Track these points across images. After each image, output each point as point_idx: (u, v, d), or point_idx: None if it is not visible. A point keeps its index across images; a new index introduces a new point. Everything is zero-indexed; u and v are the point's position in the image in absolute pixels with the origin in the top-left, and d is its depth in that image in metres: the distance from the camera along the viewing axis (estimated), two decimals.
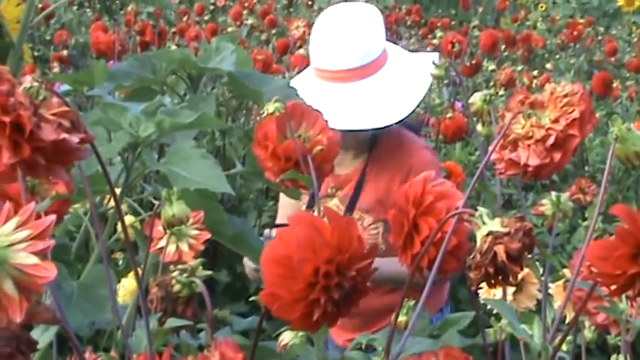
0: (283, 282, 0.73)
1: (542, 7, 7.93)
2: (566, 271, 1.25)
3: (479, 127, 1.28)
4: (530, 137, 1.00)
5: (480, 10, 7.27)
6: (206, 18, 5.38)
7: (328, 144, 1.08)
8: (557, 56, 5.81)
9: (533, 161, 0.99)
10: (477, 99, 1.27)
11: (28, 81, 0.77)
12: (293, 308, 0.73)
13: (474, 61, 3.69)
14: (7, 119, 0.75)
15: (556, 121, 0.99)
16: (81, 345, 0.98)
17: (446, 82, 3.56)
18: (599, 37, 6.63)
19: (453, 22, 6.07)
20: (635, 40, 6.79)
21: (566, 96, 1.01)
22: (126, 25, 5.05)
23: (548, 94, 1.02)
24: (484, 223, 0.95)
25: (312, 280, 0.72)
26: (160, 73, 1.85)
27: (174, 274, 0.97)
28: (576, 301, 1.12)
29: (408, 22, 5.98)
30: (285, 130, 1.06)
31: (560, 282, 1.27)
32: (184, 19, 5.47)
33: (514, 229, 0.95)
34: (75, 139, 0.77)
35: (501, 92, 3.69)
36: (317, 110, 1.12)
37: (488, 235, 0.94)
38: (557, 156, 0.99)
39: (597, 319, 1.21)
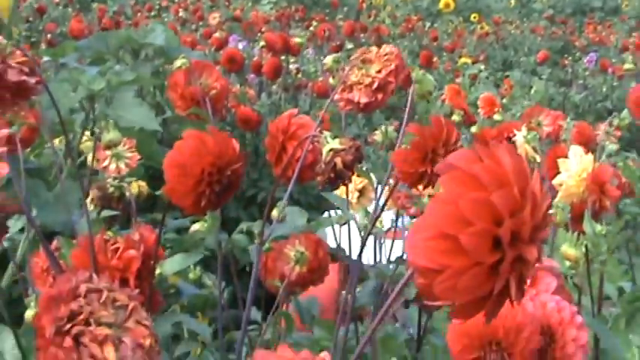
0: (179, 180, 0.70)
1: (389, 8, 7.94)
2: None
3: (331, 79, 1.24)
4: (361, 83, 0.97)
5: (345, 9, 7.28)
6: (153, 14, 5.26)
7: (220, 89, 1.04)
8: (398, 41, 5.81)
9: (363, 99, 0.96)
10: (328, 60, 1.24)
11: None
12: (187, 198, 0.70)
13: (338, 43, 3.66)
14: None
15: (379, 71, 0.96)
16: (56, 236, 0.95)
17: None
18: (426, 29, 6.66)
19: (326, 18, 6.02)
20: (450, 31, 6.83)
21: (386, 54, 0.98)
22: (97, 19, 5.02)
23: (374, 53, 1.00)
24: (327, 142, 0.92)
25: (199, 178, 0.69)
26: (112, 47, 1.83)
27: (109, 180, 0.94)
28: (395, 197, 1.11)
29: (296, 17, 5.94)
30: (190, 79, 1.02)
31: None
32: (138, 14, 5.43)
33: (348, 146, 0.93)
34: (32, 80, 0.74)
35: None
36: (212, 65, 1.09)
37: (330, 150, 0.91)
38: (380, 96, 0.96)
39: (411, 211, 1.20)
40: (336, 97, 1.00)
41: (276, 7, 6.49)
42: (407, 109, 0.87)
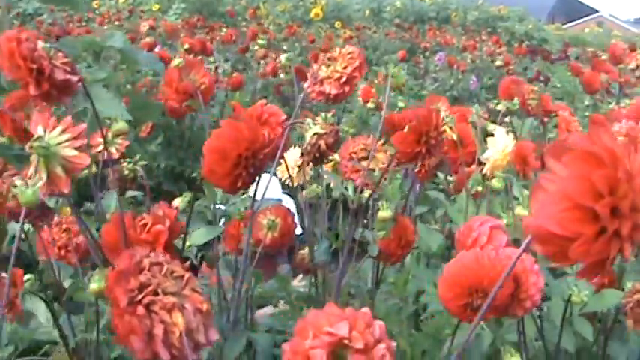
0: (219, 163, 0.67)
1: (271, 17, 7.88)
2: None
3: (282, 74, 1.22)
4: (331, 77, 0.96)
5: (239, 18, 7.18)
6: (83, 23, 5.01)
7: (208, 83, 1.00)
8: (282, 43, 5.77)
9: (334, 91, 0.95)
10: (283, 58, 1.21)
11: (42, 44, 0.68)
12: (225, 180, 0.67)
13: (243, 45, 3.61)
14: (34, 66, 0.66)
15: (345, 67, 0.96)
16: None
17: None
18: (304, 33, 6.66)
19: (226, 25, 5.92)
20: (324, 35, 6.84)
21: (349, 53, 0.98)
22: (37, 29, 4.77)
23: (338, 53, 0.99)
24: (310, 127, 0.91)
25: (236, 161, 0.66)
26: (77, 50, 1.73)
27: (124, 164, 0.89)
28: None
29: (198, 25, 5.82)
30: (182, 75, 0.98)
31: None
32: (69, 25, 5.18)
33: (329, 130, 0.92)
34: (75, 78, 0.69)
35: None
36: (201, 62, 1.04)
37: (314, 134, 0.90)
38: (347, 88, 0.96)
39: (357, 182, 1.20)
40: (308, 89, 0.99)
41: (180, 17, 6.32)
42: (386, 95, 0.86)
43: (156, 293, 0.55)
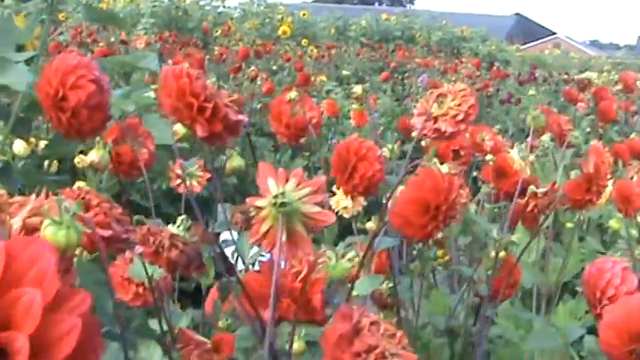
0: (417, 215, 0.64)
1: (238, 34, 7.87)
2: None
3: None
4: (446, 115, 0.95)
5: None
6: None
7: (318, 117, 0.98)
8: (258, 61, 5.74)
9: (449, 129, 0.94)
10: (358, 89, 1.20)
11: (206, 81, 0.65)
12: (420, 231, 0.64)
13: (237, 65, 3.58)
14: (208, 105, 0.63)
15: (459, 105, 0.95)
16: None
17: None
18: (279, 51, 6.64)
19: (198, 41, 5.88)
20: (290, 53, 6.83)
21: (461, 90, 0.97)
22: None
23: (447, 89, 0.98)
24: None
25: (436, 213, 0.64)
26: (109, 71, 1.68)
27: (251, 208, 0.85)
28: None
29: (170, 41, 5.77)
30: (292, 110, 0.95)
31: None
32: None
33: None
34: (245, 118, 0.66)
35: None
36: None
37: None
38: (463, 126, 0.95)
39: None
40: (418, 126, 0.98)
41: (150, 31, 6.24)
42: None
43: (384, 356, 0.53)
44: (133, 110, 1.32)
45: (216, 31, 7.25)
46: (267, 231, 0.50)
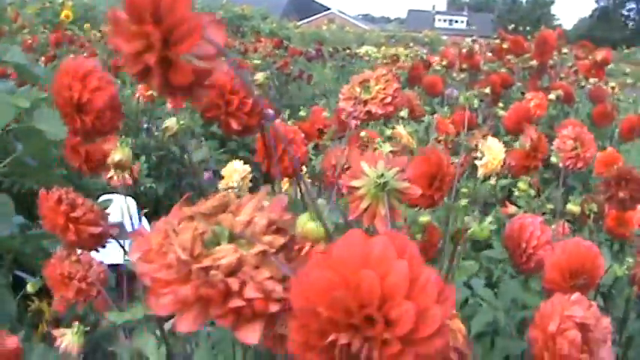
0: (425, 187, 0.75)
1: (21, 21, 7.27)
2: None
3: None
4: (375, 98, 1.06)
5: None
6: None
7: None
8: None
9: (378, 111, 1.06)
10: (260, 76, 1.26)
11: None
12: (427, 200, 0.76)
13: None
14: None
15: (384, 89, 1.06)
16: None
17: None
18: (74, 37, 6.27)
19: None
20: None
21: (384, 76, 1.09)
22: None
23: (374, 75, 1.09)
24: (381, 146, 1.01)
25: (439, 184, 0.76)
26: None
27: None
28: None
29: None
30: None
31: None
32: None
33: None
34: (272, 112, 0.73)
35: None
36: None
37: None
38: (390, 108, 1.07)
39: None
40: (348, 109, 1.08)
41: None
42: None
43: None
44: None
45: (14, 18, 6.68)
46: (367, 208, 0.58)
